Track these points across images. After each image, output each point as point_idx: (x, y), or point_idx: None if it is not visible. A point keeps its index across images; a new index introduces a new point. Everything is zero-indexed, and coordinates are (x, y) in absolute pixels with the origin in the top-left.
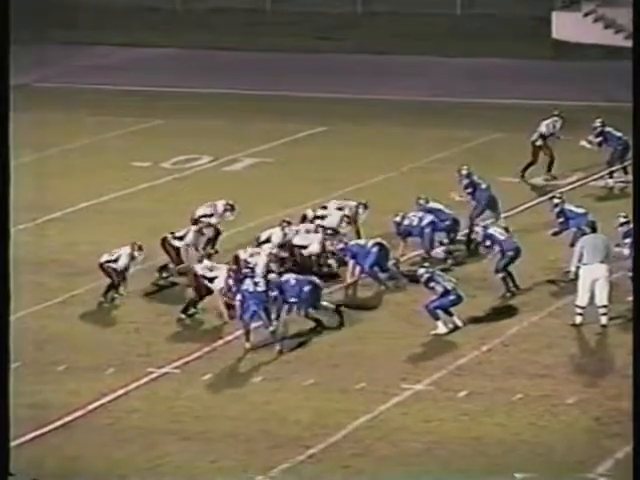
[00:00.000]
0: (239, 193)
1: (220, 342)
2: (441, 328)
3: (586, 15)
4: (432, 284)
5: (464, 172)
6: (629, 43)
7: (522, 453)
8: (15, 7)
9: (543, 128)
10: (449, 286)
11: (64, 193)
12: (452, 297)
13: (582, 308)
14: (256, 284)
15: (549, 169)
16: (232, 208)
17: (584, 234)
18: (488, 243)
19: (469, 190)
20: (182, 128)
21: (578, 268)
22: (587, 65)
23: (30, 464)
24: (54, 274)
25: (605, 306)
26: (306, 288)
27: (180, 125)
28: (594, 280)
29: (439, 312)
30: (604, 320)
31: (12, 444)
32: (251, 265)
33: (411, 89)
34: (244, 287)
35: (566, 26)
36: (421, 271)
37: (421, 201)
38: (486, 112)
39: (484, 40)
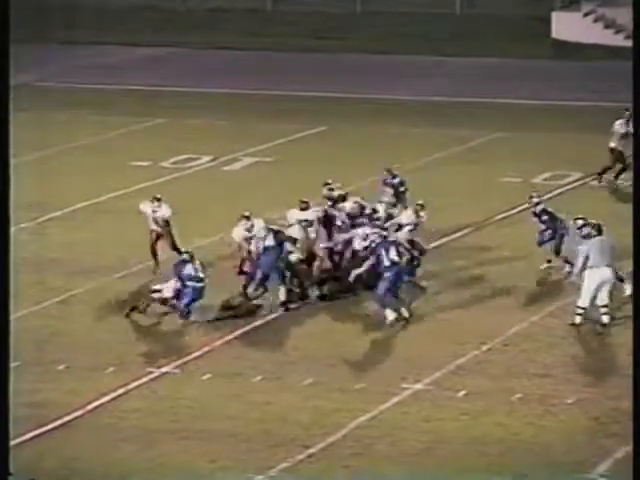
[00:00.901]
0: (238, 193)
1: (220, 342)
2: (389, 315)
3: (586, 15)
4: (378, 253)
5: (392, 171)
6: (629, 43)
7: (521, 453)
8: (16, 6)
9: (618, 129)
10: (395, 258)
11: (64, 192)
12: (394, 271)
13: (583, 309)
14: (196, 270)
15: (606, 171)
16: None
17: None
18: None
19: (393, 192)
20: (182, 128)
21: (583, 270)
22: (587, 65)
23: (29, 463)
24: (54, 273)
25: (606, 306)
26: None
27: (180, 125)
28: (600, 283)
29: (388, 298)
30: (605, 319)
31: (11, 443)
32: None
33: (411, 89)
34: (185, 272)
35: (566, 26)
36: (373, 237)
37: (330, 186)
38: (486, 112)
39: (484, 40)
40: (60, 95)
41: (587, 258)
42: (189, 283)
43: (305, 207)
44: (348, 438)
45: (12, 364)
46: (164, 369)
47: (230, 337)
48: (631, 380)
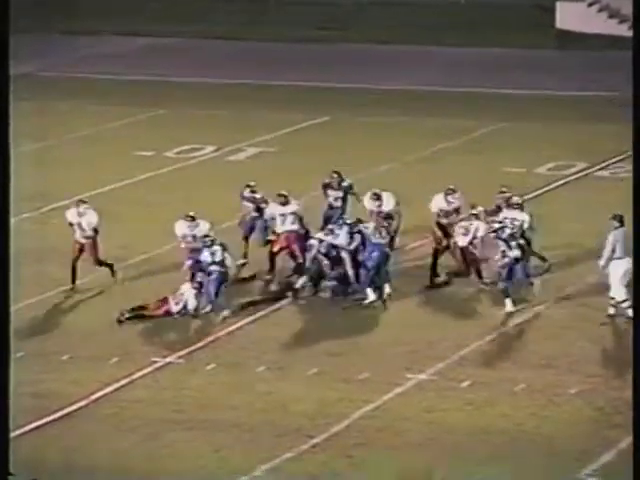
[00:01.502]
0: (242, 183)
1: (223, 332)
2: (370, 295)
3: (590, 5)
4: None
5: (341, 174)
6: None
7: (525, 443)
8: None
9: None
10: (380, 240)
11: (67, 182)
12: (379, 250)
13: (624, 301)
14: (213, 254)
15: None
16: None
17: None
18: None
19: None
20: (185, 118)
21: (610, 261)
22: (591, 55)
23: (32, 454)
24: (57, 263)
25: (627, 300)
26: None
27: (183, 115)
28: (624, 272)
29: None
30: (612, 311)
31: (14, 434)
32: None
33: (415, 79)
34: (202, 258)
35: (570, 16)
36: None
37: (252, 188)
38: (490, 102)
39: (488, 30)
40: (62, 85)
41: (614, 250)
42: (212, 268)
43: (285, 201)
44: (352, 428)
45: (16, 354)
46: (168, 359)
47: (234, 327)
48: (631, 375)
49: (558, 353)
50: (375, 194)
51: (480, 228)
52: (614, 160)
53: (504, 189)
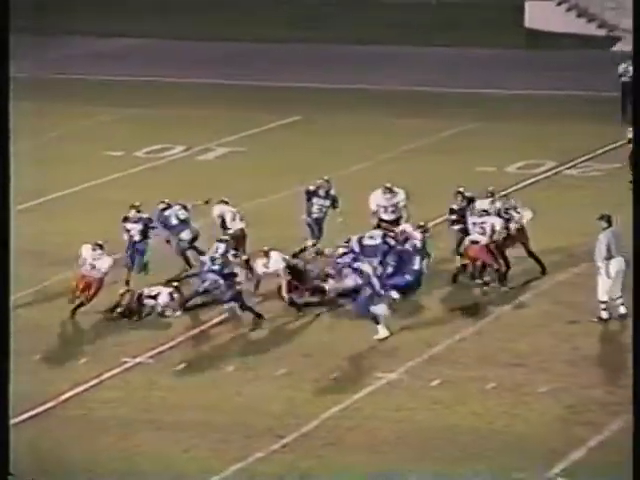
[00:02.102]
0: (212, 183)
1: (194, 332)
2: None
3: (559, 4)
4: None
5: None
6: (601, 32)
7: (495, 441)
8: None
9: None
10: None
11: (36, 183)
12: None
13: (605, 302)
14: (214, 256)
15: None
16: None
17: None
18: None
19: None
20: (155, 117)
21: (605, 261)
22: (560, 54)
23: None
24: (26, 264)
25: (620, 297)
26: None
27: (153, 115)
28: (617, 272)
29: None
30: (623, 310)
31: None
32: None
33: (385, 79)
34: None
35: (539, 15)
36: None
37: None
38: (460, 102)
39: (458, 30)
40: (32, 85)
41: (608, 249)
42: (207, 275)
43: (227, 201)
44: (322, 428)
45: None
46: (138, 359)
47: (204, 327)
48: (631, 377)
49: (528, 352)
50: (388, 188)
51: (496, 224)
52: (583, 159)
53: (460, 189)
